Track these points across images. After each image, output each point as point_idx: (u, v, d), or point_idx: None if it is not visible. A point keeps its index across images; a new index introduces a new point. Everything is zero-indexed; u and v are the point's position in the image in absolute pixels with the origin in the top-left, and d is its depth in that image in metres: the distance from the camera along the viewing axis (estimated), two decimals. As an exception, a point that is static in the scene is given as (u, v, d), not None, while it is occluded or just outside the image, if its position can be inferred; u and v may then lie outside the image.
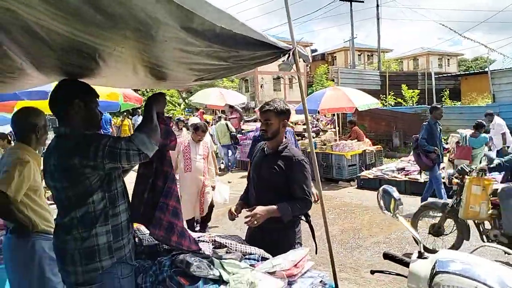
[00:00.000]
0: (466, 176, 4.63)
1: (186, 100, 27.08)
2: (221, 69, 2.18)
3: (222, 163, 12.95)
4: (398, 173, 9.45)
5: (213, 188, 6.01)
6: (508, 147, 9.21)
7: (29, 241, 2.67)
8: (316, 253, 3.03)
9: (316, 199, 4.19)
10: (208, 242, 2.58)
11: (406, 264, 1.66)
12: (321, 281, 2.30)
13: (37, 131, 2.79)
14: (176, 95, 29.65)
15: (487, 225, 4.72)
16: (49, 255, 2.68)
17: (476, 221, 4.71)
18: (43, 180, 3.08)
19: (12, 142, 8.13)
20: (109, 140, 1.86)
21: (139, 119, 19.46)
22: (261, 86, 37.93)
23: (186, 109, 27.65)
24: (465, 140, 8.46)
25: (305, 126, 17.06)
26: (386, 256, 1.74)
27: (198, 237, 2.65)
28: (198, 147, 5.75)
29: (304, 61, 2.34)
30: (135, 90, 8.13)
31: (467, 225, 4.91)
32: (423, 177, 8.27)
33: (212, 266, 2.18)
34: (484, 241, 4.63)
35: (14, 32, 1.54)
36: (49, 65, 2.01)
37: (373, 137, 14.32)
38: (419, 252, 1.65)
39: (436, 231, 5.12)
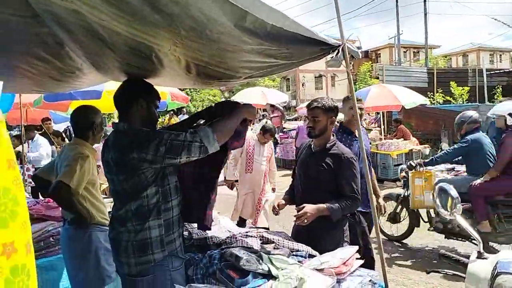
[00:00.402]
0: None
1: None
2: (271, 66, 2.19)
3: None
4: (448, 173, 9.06)
5: (274, 190, 5.83)
6: None
7: (86, 232, 2.81)
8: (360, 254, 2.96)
9: (384, 211, 4.11)
10: (256, 237, 2.60)
11: (464, 265, 1.60)
12: (370, 280, 2.26)
13: (94, 128, 2.94)
14: (218, 95, 30.12)
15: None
16: (104, 246, 2.81)
17: (427, 210, 5.38)
18: (99, 174, 3.25)
19: (65, 139, 8.61)
20: (171, 135, 1.91)
21: (185, 117, 19.88)
22: (302, 85, 37.68)
23: (229, 108, 27.95)
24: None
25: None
26: (442, 256, 1.68)
27: (246, 232, 2.68)
28: (263, 149, 5.61)
29: (353, 57, 2.31)
30: (181, 89, 8.38)
31: (416, 213, 5.60)
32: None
33: (261, 261, 2.20)
34: (430, 227, 5.30)
35: (78, 33, 1.63)
36: (107, 65, 2.11)
37: (420, 136, 13.82)
38: (478, 252, 1.58)
39: (393, 218, 5.77)
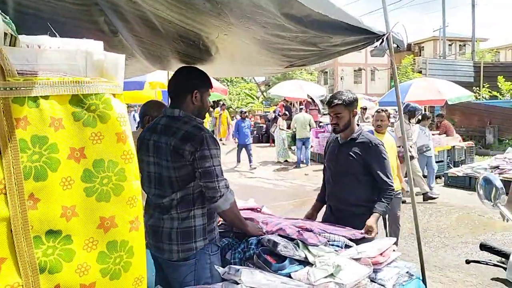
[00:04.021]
0: None
1: (264, 93, 27.49)
2: (312, 55, 2.21)
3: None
4: (492, 172, 8.70)
5: None
6: None
7: None
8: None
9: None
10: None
11: (505, 256, 1.57)
12: (407, 272, 2.25)
13: (147, 120, 3.03)
14: (254, 89, 30.22)
15: None
16: None
17: None
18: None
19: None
20: (218, 166, 2.01)
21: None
22: (341, 78, 37.02)
23: (264, 101, 28.05)
24: None
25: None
26: (483, 246, 1.66)
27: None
28: None
29: (398, 46, 2.28)
30: (217, 80, 8.50)
31: None
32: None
33: (297, 248, 2.24)
34: None
35: (133, 22, 1.72)
36: (157, 54, 2.20)
37: (463, 133, 13.30)
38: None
39: None
